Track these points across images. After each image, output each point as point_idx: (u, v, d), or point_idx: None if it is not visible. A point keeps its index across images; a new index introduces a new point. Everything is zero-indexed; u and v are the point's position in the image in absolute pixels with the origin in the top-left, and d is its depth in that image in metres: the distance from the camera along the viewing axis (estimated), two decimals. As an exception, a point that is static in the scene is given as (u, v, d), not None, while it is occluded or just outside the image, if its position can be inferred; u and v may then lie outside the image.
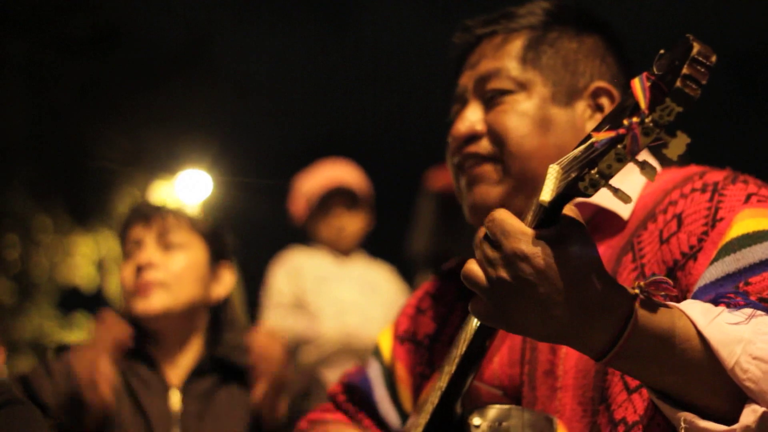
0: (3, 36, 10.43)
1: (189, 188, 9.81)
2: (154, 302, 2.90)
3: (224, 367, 2.95)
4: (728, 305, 1.53)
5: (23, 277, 10.84)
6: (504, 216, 1.43)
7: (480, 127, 2.01)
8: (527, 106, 1.99)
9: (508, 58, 2.03)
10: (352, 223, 5.09)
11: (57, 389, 2.80)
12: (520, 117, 1.98)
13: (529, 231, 1.41)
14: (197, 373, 2.91)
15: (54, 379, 2.82)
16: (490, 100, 2.02)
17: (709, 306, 1.52)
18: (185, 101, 11.35)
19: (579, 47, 2.05)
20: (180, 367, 2.94)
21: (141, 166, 10.96)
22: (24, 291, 10.81)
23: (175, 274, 2.93)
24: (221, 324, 3.01)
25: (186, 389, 2.88)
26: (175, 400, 2.87)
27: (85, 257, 10.94)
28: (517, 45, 2.04)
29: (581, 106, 2.00)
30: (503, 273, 1.41)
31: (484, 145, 2.00)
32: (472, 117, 2.02)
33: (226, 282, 3.05)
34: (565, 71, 2.02)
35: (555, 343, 1.79)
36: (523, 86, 2.01)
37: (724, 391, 1.46)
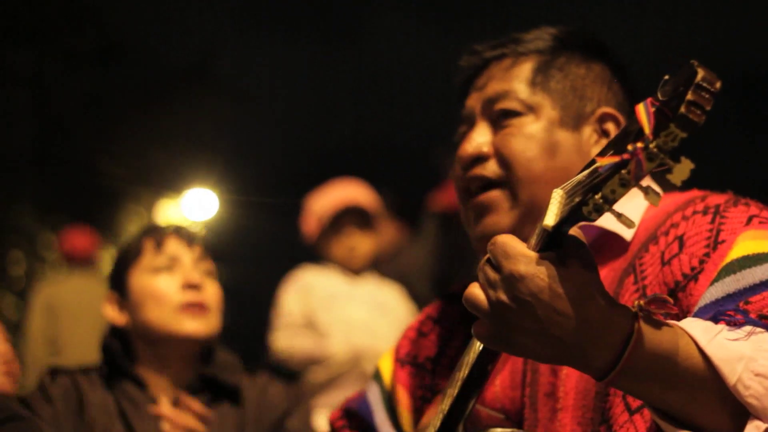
0: (9, 49, 10.48)
1: (195, 207, 9.84)
2: (205, 325, 2.86)
3: (215, 387, 2.90)
4: (728, 323, 1.52)
5: (28, 293, 10.84)
6: (506, 239, 1.44)
7: (487, 149, 2.00)
8: (535, 128, 1.99)
9: (517, 81, 2.03)
10: (363, 243, 5.10)
11: (56, 414, 2.75)
12: (527, 139, 1.98)
13: (531, 253, 1.42)
14: (188, 392, 2.86)
15: (54, 404, 2.77)
16: (498, 121, 2.02)
17: (709, 324, 1.52)
18: (190, 117, 11.39)
19: (587, 73, 2.06)
20: (169, 388, 2.88)
21: (147, 184, 10.99)
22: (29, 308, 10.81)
23: (216, 301, 2.92)
24: (213, 347, 2.99)
25: (177, 401, 2.84)
26: (166, 408, 2.82)
27: (89, 274, 10.94)
28: (526, 68, 2.04)
29: (588, 131, 2.01)
30: (503, 295, 1.41)
31: (491, 168, 1.99)
32: (480, 138, 2.02)
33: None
34: (573, 96, 2.03)
35: (557, 365, 1.78)
36: (531, 109, 2.01)
37: (726, 409, 1.46)
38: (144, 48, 11.40)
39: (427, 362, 2.20)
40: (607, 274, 1.87)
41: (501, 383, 1.95)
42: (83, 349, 6.20)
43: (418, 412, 2.17)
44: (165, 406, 2.72)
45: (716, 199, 1.83)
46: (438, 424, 1.78)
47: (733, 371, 1.44)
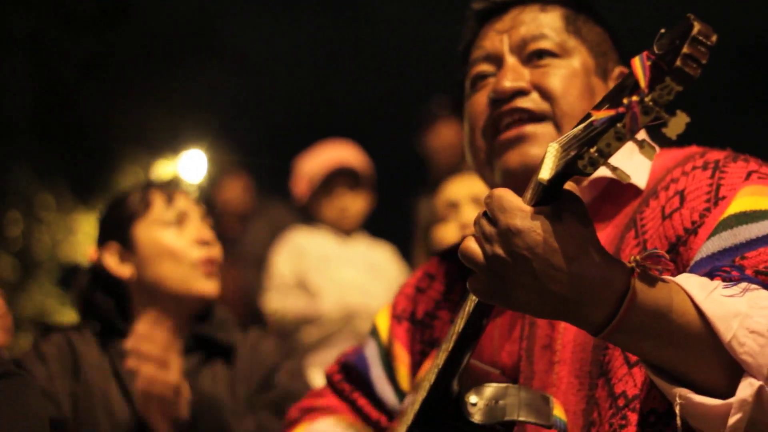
0: (7, 12, 10.42)
1: (191, 167, 9.83)
2: (216, 285, 2.86)
3: (209, 345, 2.88)
4: (724, 279, 1.53)
5: (25, 254, 10.86)
6: (503, 193, 1.44)
7: (525, 83, 1.97)
8: (575, 69, 1.98)
9: (549, 25, 2.01)
10: (354, 203, 5.11)
11: (51, 374, 2.72)
12: (571, 77, 1.96)
13: (527, 207, 1.42)
14: (182, 351, 2.79)
15: (47, 363, 2.74)
16: (532, 60, 1.99)
17: (705, 280, 1.53)
18: (188, 80, 11.35)
19: (602, 32, 2.07)
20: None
21: (144, 145, 10.97)
22: (26, 268, 10.83)
23: (221, 258, 2.91)
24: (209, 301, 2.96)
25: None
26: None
27: (87, 235, 10.93)
28: (556, 14, 2.03)
29: (611, 87, 2.00)
30: (499, 249, 1.42)
31: (535, 100, 1.96)
32: (517, 73, 1.98)
33: None
34: (599, 49, 2.04)
35: (553, 319, 1.79)
36: (567, 52, 2.00)
37: (720, 366, 1.47)
38: (144, 12, 11.34)
39: (426, 317, 2.21)
40: (611, 230, 1.87)
41: (498, 337, 1.96)
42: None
43: (416, 367, 2.17)
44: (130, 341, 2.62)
45: (715, 155, 1.83)
46: (433, 378, 1.78)
47: (728, 328, 1.45)
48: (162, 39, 11.39)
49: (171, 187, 2.95)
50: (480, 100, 2.03)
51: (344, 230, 5.10)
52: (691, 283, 1.50)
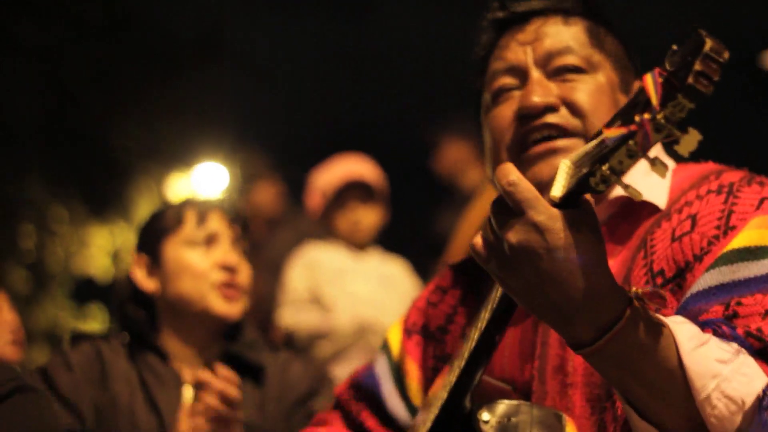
0: (18, 21, 10.45)
1: (205, 180, 9.85)
2: (238, 308, 2.86)
3: (238, 364, 2.86)
4: (715, 333, 1.54)
5: (38, 267, 10.87)
6: (528, 186, 1.42)
7: (554, 99, 1.93)
8: (602, 86, 1.95)
9: (574, 39, 1.98)
10: (367, 217, 5.10)
11: (76, 382, 2.72)
12: (598, 94, 1.93)
13: (554, 210, 1.41)
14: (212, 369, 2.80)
15: (73, 371, 2.74)
16: (559, 74, 1.96)
17: (697, 331, 1.53)
18: (201, 90, 11.37)
19: (621, 45, 2.04)
20: (193, 362, 2.87)
21: (157, 157, 10.99)
22: (39, 281, 10.84)
23: (248, 283, 2.91)
24: (238, 323, 2.98)
25: (200, 385, 2.82)
26: (188, 395, 2.78)
27: (100, 248, 10.98)
28: (580, 27, 2.01)
29: None
30: (514, 237, 1.41)
31: (565, 116, 1.92)
32: (546, 88, 1.95)
33: None
34: (621, 62, 2.01)
35: (537, 318, 1.78)
36: (593, 67, 1.97)
37: (687, 417, 1.49)
38: (154, 20, 11.36)
39: (437, 332, 2.19)
40: (626, 252, 1.85)
41: (510, 355, 1.95)
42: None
43: (428, 382, 2.16)
44: (204, 374, 2.63)
45: (731, 176, 1.81)
46: (445, 395, 1.78)
47: (704, 387, 1.46)
48: (172, 48, 11.41)
49: (206, 207, 2.96)
50: (504, 114, 1.98)
51: (357, 244, 5.10)
52: (683, 330, 1.51)
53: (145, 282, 2.92)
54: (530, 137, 1.93)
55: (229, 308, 2.85)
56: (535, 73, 1.96)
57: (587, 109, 1.91)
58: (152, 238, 2.94)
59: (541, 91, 1.93)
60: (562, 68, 1.96)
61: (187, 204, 2.99)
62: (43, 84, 10.60)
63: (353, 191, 5.07)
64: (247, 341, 2.95)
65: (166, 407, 2.75)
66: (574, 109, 1.92)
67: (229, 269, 2.87)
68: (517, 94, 1.98)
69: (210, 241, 2.90)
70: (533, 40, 1.99)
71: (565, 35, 1.99)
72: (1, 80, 10.11)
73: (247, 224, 3.01)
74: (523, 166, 1.92)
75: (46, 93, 10.66)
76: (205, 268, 2.85)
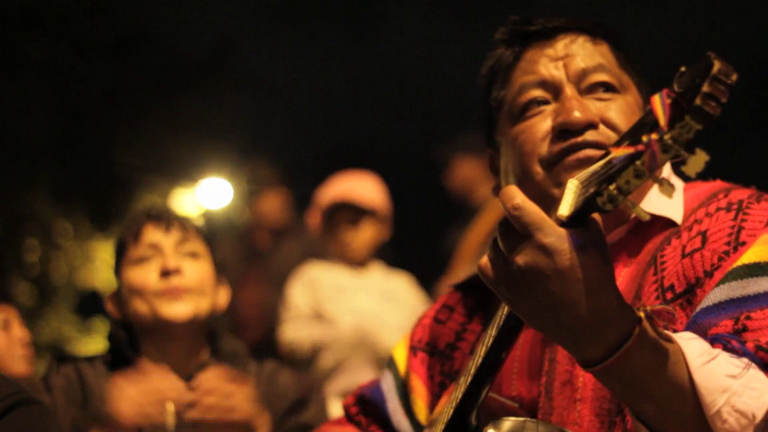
0: (27, 38, 10.49)
1: (210, 196, 9.87)
2: (186, 308, 2.85)
3: None
4: (725, 348, 1.55)
5: (43, 280, 10.89)
6: (537, 209, 1.43)
7: (595, 117, 1.92)
8: (631, 107, 1.95)
9: (605, 58, 1.99)
10: (357, 238, 5.07)
11: (54, 405, 2.73)
12: (630, 115, 1.92)
13: (560, 229, 1.42)
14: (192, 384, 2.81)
15: (53, 394, 2.77)
16: (591, 92, 1.95)
17: (707, 347, 1.54)
18: (207, 108, 11.40)
19: (637, 69, 2.04)
20: (171, 377, 2.85)
21: (162, 173, 11.01)
22: (43, 295, 10.86)
23: (199, 282, 2.90)
24: (218, 334, 2.98)
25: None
26: (170, 411, 2.77)
27: (104, 262, 10.97)
28: (606, 48, 2.01)
29: None
30: (522, 259, 1.42)
31: (605, 133, 1.90)
32: (584, 105, 1.93)
33: (224, 294, 3.04)
34: (641, 86, 2.02)
35: (546, 337, 1.78)
36: (624, 88, 1.97)
37: (697, 431, 1.49)
38: (161, 38, 11.41)
39: (446, 349, 2.19)
40: (635, 267, 1.86)
41: (517, 371, 1.95)
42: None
43: (434, 399, 2.16)
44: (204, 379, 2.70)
45: (739, 194, 1.83)
46: (451, 412, 1.79)
47: (714, 402, 1.47)
48: (179, 66, 11.45)
49: (137, 224, 2.98)
50: (538, 127, 1.95)
51: (353, 262, 5.09)
52: (692, 346, 1.52)
53: (113, 311, 2.98)
54: (570, 154, 1.91)
55: (175, 309, 2.85)
56: (569, 90, 1.95)
57: (622, 129, 1.90)
58: (116, 270, 3.00)
59: (581, 107, 1.92)
60: (596, 85, 1.96)
61: (126, 227, 3.05)
62: (51, 101, 10.64)
63: (342, 213, 5.04)
64: (229, 352, 2.96)
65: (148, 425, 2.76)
66: (613, 129, 1.91)
67: (167, 273, 2.87)
68: (549, 108, 1.96)
69: (152, 253, 2.91)
70: (564, 56, 1.98)
71: (596, 54, 1.99)
72: (10, 97, 10.15)
73: (188, 223, 3.01)
74: (558, 177, 1.91)
75: (54, 110, 10.69)
76: (144, 282, 2.87)
